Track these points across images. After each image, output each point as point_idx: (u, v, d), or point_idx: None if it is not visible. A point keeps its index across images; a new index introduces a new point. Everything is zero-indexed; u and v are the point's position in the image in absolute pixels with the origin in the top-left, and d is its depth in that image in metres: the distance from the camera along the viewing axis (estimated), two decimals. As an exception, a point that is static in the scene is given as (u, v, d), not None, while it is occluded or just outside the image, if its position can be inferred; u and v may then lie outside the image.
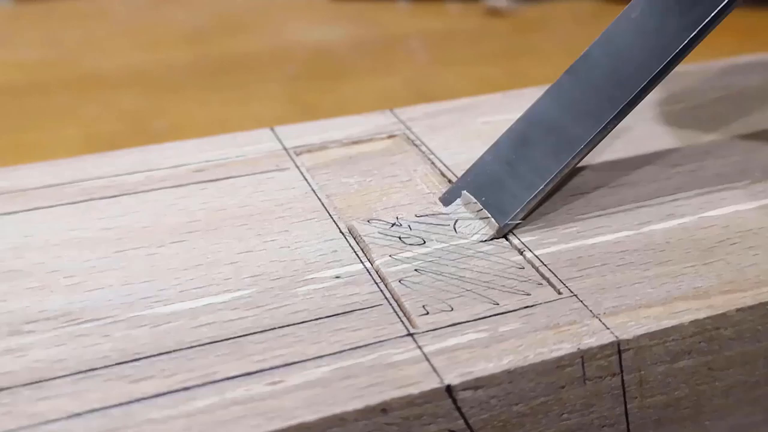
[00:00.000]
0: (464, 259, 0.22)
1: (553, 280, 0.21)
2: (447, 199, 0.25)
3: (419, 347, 0.19)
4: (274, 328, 0.20)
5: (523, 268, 0.22)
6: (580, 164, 0.26)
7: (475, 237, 0.23)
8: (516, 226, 0.23)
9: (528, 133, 0.24)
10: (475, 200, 0.24)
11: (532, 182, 0.23)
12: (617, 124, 0.23)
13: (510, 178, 0.24)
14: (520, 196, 0.23)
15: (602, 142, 0.23)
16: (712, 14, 0.23)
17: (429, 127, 0.29)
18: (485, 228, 0.23)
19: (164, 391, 0.18)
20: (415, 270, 0.22)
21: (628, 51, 0.24)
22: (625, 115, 0.23)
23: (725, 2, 0.22)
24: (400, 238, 0.23)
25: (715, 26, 0.23)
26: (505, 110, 0.31)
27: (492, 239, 0.23)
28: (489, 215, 0.23)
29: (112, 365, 0.19)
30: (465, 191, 0.24)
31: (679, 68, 0.34)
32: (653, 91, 0.23)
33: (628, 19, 0.24)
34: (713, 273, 0.21)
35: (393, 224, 0.24)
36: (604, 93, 0.23)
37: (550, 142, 0.24)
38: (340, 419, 0.17)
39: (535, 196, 0.23)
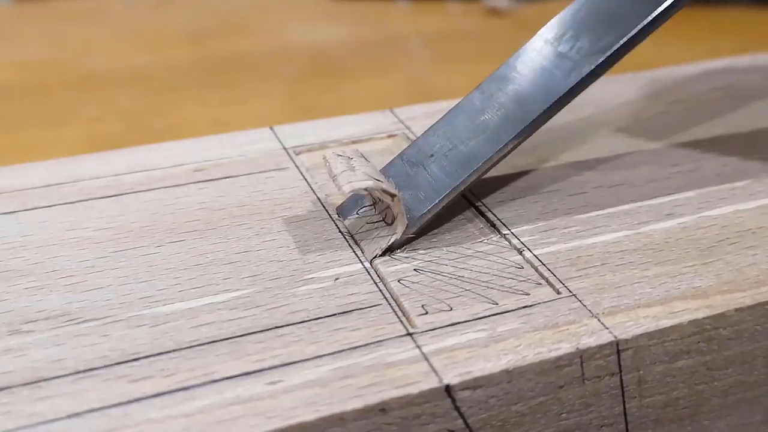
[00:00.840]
0: (463, 259, 0.22)
1: (552, 279, 0.21)
2: (346, 208, 0.24)
3: (418, 347, 0.19)
4: (273, 328, 0.20)
5: (522, 267, 0.22)
6: (580, 165, 0.26)
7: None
8: (409, 240, 0.23)
9: (430, 147, 0.24)
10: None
11: (427, 198, 0.23)
12: (517, 147, 0.23)
13: (406, 191, 0.23)
14: (412, 210, 0.23)
15: (595, 142, 0.23)
16: (622, 41, 0.23)
17: (429, 126, 0.29)
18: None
19: (163, 391, 0.18)
20: (414, 269, 0.22)
21: (537, 73, 0.24)
22: (526, 138, 0.23)
23: (635, 31, 0.23)
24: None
25: (625, 54, 0.23)
26: (505, 110, 0.31)
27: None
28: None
29: (111, 365, 0.19)
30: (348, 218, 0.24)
31: (679, 68, 0.34)
32: (651, 88, 0.23)
33: (542, 40, 0.25)
34: (712, 273, 0.21)
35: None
36: (508, 115, 0.24)
37: (451, 157, 0.24)
38: (339, 419, 0.17)
39: (427, 212, 0.23)
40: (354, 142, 0.29)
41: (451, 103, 0.31)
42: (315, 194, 0.25)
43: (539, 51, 0.25)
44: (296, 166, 0.27)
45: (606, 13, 0.24)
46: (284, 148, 0.28)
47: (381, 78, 0.50)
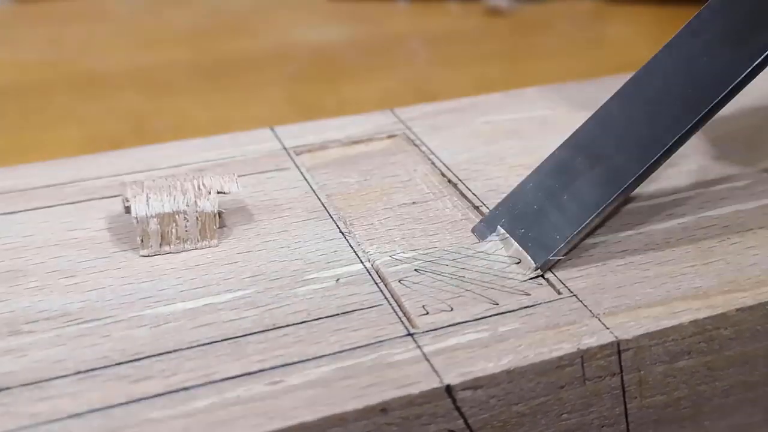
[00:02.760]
0: (464, 259, 0.22)
1: (553, 280, 0.21)
2: (481, 230, 0.23)
3: (419, 347, 0.19)
4: (274, 328, 0.20)
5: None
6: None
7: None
8: (557, 262, 0.22)
9: (572, 161, 0.23)
10: (508, 235, 0.22)
11: (577, 216, 0.22)
12: (670, 157, 0.22)
13: (553, 209, 0.22)
14: (563, 230, 0.22)
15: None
16: None
17: (429, 126, 0.29)
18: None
19: (164, 391, 0.18)
20: (415, 270, 0.22)
21: (680, 81, 0.22)
22: (679, 147, 0.22)
23: None
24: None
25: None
26: (506, 110, 0.31)
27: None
28: (527, 251, 0.22)
29: (112, 365, 0.19)
30: (500, 226, 0.23)
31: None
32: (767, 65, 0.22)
33: (679, 46, 0.23)
34: (713, 273, 0.21)
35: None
36: (655, 124, 0.22)
37: (597, 172, 0.22)
38: (340, 419, 0.17)
39: (580, 231, 0.21)
40: (354, 142, 0.29)
41: (452, 104, 0.31)
42: (315, 194, 0.25)
43: (679, 56, 0.22)
44: (296, 166, 0.27)
45: None
46: (284, 148, 0.28)
47: (381, 78, 0.50)
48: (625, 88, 0.23)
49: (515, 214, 0.23)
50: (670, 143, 0.21)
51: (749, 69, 0.21)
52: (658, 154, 0.21)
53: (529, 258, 0.22)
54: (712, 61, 0.22)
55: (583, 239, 0.22)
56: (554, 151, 0.23)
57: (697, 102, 0.22)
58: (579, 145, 0.23)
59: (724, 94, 0.21)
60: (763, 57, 0.21)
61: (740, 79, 0.21)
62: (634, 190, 0.22)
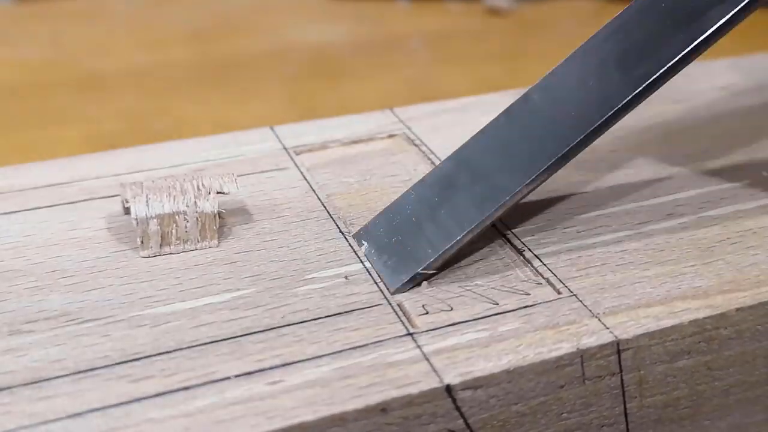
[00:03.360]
0: (464, 259, 0.22)
1: (553, 279, 0.21)
2: (360, 237, 0.23)
3: (419, 347, 0.19)
4: (274, 328, 0.20)
5: (523, 267, 0.22)
6: (580, 165, 0.26)
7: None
8: (431, 275, 0.21)
9: (455, 176, 0.23)
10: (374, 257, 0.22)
11: (451, 231, 0.22)
12: (548, 178, 0.22)
13: (429, 223, 0.22)
14: (436, 244, 0.22)
15: (596, 143, 0.22)
16: (659, 72, 0.21)
17: (429, 126, 0.29)
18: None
19: (164, 391, 0.18)
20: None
21: (568, 101, 0.22)
22: (558, 169, 0.22)
23: (673, 62, 0.21)
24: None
25: (661, 85, 0.21)
26: (505, 110, 0.31)
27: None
28: (396, 265, 0.22)
29: (112, 365, 0.19)
30: (366, 243, 0.23)
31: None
32: (652, 91, 0.22)
33: (572, 66, 0.23)
34: (713, 273, 0.21)
35: None
36: (537, 143, 0.22)
37: (476, 189, 0.22)
38: (340, 419, 0.17)
39: (452, 246, 0.21)
40: (354, 142, 0.29)
41: (452, 103, 0.31)
42: (315, 194, 0.25)
43: (570, 77, 0.23)
44: (296, 166, 0.27)
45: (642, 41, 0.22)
46: (284, 148, 0.28)
47: (381, 78, 0.50)
48: (516, 105, 0.23)
49: (394, 224, 0.23)
50: (550, 163, 0.21)
51: (633, 94, 0.21)
52: (537, 173, 0.21)
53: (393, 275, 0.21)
54: (600, 84, 0.22)
55: (455, 255, 0.22)
56: (440, 163, 0.24)
57: (582, 123, 0.22)
58: (464, 159, 0.23)
59: (607, 116, 0.21)
60: (646, 84, 0.21)
61: (624, 102, 0.21)
62: (510, 206, 0.22)
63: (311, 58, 0.54)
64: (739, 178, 0.26)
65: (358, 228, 0.23)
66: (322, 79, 0.51)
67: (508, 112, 0.23)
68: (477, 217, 0.22)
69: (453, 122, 0.30)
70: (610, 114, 0.21)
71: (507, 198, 0.21)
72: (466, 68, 0.52)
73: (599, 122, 0.21)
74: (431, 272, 0.21)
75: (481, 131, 0.23)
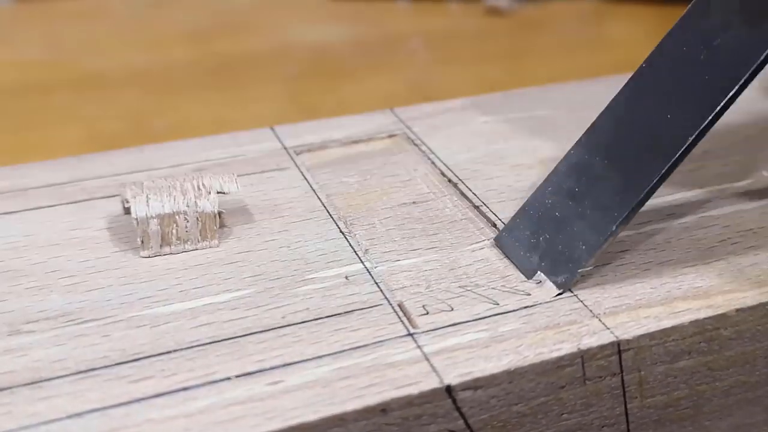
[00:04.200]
0: (464, 259, 0.22)
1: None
2: (505, 241, 0.22)
3: (419, 347, 0.19)
4: (274, 328, 0.20)
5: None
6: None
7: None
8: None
9: (591, 163, 0.21)
10: (546, 278, 0.21)
11: (600, 225, 0.20)
12: (691, 151, 0.20)
13: (575, 217, 0.21)
14: (589, 240, 0.21)
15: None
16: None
17: (429, 126, 0.29)
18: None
19: (164, 391, 0.18)
20: (416, 270, 0.22)
21: (695, 63, 0.21)
22: (701, 139, 0.20)
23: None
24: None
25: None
26: (505, 110, 0.31)
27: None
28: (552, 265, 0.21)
29: (112, 365, 0.19)
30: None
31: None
32: None
33: (689, 28, 0.21)
34: (713, 273, 0.21)
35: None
36: (674, 117, 0.20)
37: (616, 176, 0.21)
38: (340, 419, 0.17)
39: (606, 240, 0.20)
40: (354, 142, 0.29)
41: (452, 103, 0.31)
42: (315, 194, 0.25)
43: (696, 39, 0.20)
44: (296, 166, 0.27)
45: None
46: (285, 148, 0.28)
47: (381, 78, 0.50)
48: (634, 81, 0.22)
49: (537, 222, 0.22)
50: (692, 137, 0.20)
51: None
52: (680, 152, 0.20)
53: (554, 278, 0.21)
54: (729, 40, 0.20)
55: (607, 248, 0.21)
56: (569, 152, 0.22)
57: (716, 89, 0.20)
58: (595, 144, 0.22)
59: (748, 73, 0.20)
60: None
61: (765, 55, 0.19)
62: (656, 190, 0.21)
63: (311, 58, 0.54)
64: (739, 178, 0.26)
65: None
66: (322, 79, 0.51)
67: (628, 89, 0.22)
68: (625, 207, 0.20)
69: (453, 122, 0.30)
70: (751, 70, 0.20)
71: (655, 181, 0.20)
72: (466, 68, 0.51)
73: (741, 81, 0.20)
74: (588, 268, 0.21)
75: (605, 113, 0.22)
